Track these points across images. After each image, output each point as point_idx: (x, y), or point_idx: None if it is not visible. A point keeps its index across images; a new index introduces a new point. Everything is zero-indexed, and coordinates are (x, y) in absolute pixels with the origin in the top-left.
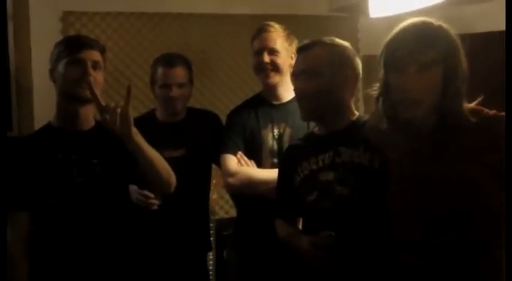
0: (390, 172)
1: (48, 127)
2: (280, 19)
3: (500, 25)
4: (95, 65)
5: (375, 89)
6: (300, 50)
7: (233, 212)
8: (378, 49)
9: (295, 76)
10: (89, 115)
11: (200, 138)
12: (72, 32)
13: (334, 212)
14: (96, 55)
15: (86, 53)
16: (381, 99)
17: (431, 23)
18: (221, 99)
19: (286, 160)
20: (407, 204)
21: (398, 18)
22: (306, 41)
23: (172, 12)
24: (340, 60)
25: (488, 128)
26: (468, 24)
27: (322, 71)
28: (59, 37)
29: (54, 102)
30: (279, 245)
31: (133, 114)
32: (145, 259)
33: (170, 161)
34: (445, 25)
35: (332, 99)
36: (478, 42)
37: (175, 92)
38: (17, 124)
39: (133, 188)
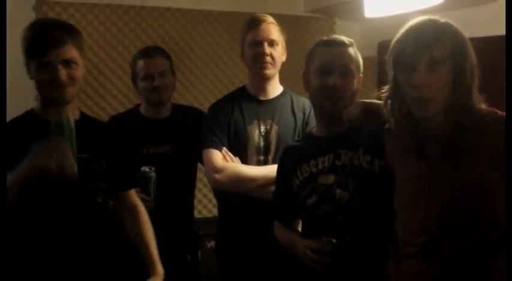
0: (395, 175)
1: (32, 115)
2: None
3: (490, 31)
4: (69, 62)
5: (385, 90)
6: (326, 45)
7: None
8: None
9: (322, 71)
10: (73, 108)
11: (185, 135)
12: None
13: (334, 216)
14: (68, 52)
15: (55, 54)
16: (389, 101)
17: (437, 21)
18: (196, 93)
19: (284, 161)
20: (413, 208)
21: (376, 22)
22: (327, 38)
23: (148, 6)
24: (359, 62)
25: (500, 129)
26: (465, 28)
27: (354, 70)
28: None
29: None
30: (262, 247)
31: (113, 112)
32: (128, 257)
33: (154, 157)
34: (450, 22)
35: (353, 101)
36: None
37: (158, 81)
38: None
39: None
